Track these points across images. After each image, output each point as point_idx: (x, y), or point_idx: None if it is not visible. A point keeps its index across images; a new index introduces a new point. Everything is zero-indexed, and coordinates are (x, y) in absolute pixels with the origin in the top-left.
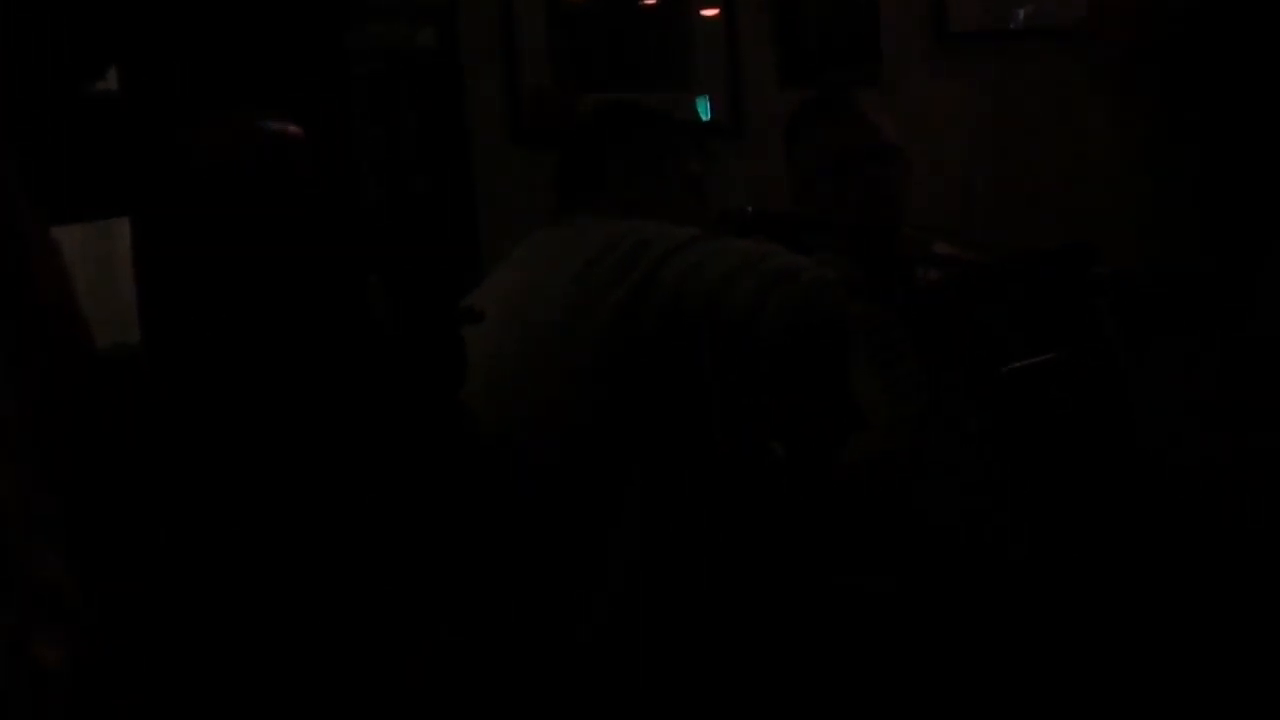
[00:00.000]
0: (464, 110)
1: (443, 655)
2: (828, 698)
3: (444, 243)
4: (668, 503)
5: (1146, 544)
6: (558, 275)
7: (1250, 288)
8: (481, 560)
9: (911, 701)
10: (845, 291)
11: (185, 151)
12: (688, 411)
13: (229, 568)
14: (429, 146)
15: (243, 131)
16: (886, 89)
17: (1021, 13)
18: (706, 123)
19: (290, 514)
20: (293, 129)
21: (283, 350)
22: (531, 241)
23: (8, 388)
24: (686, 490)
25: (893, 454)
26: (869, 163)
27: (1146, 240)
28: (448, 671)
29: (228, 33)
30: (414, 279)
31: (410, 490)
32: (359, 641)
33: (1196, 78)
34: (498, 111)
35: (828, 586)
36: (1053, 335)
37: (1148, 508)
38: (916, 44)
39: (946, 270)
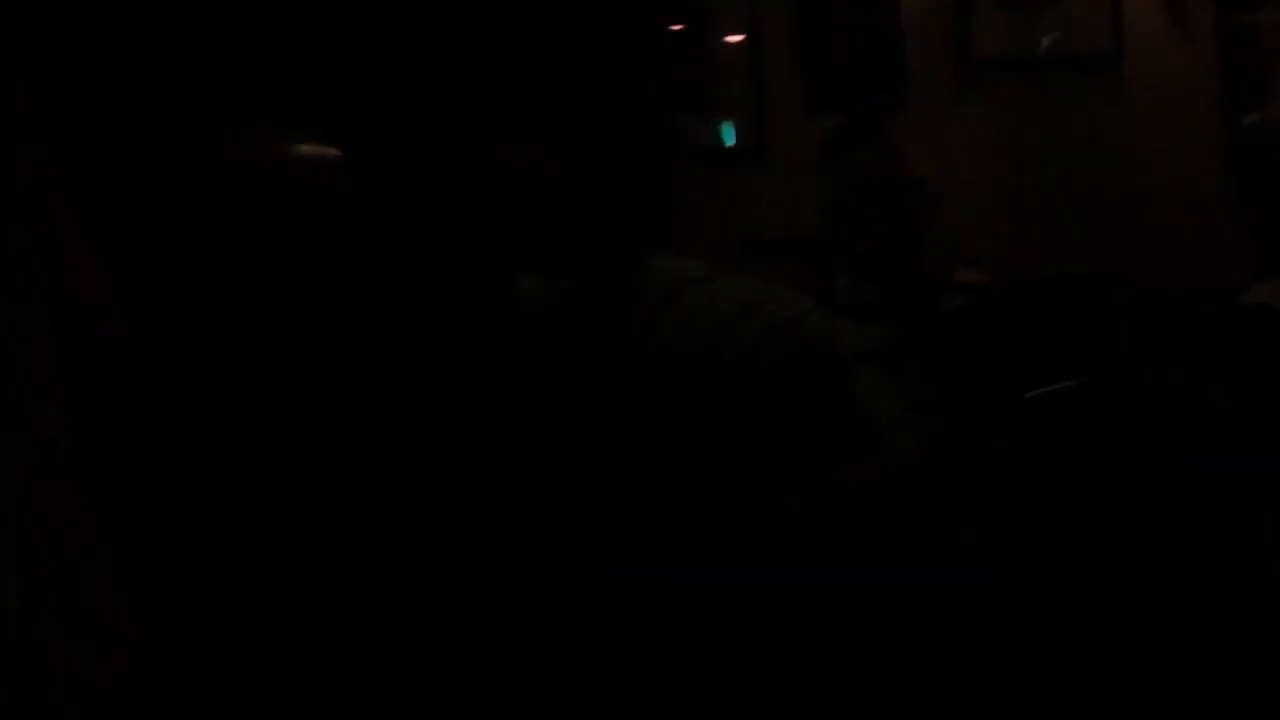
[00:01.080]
0: None
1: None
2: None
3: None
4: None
5: (1167, 565)
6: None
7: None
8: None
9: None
10: (845, 333)
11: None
12: (685, 457)
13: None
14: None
15: (277, 149)
16: (912, 115)
17: (1046, 40)
18: (731, 148)
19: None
20: (330, 149)
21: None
22: None
23: (57, 411)
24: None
25: (908, 472)
26: (895, 194)
27: (1178, 266)
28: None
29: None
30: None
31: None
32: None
33: None
34: None
35: (838, 604)
36: (1074, 361)
37: (1168, 530)
38: (942, 70)
39: (969, 296)
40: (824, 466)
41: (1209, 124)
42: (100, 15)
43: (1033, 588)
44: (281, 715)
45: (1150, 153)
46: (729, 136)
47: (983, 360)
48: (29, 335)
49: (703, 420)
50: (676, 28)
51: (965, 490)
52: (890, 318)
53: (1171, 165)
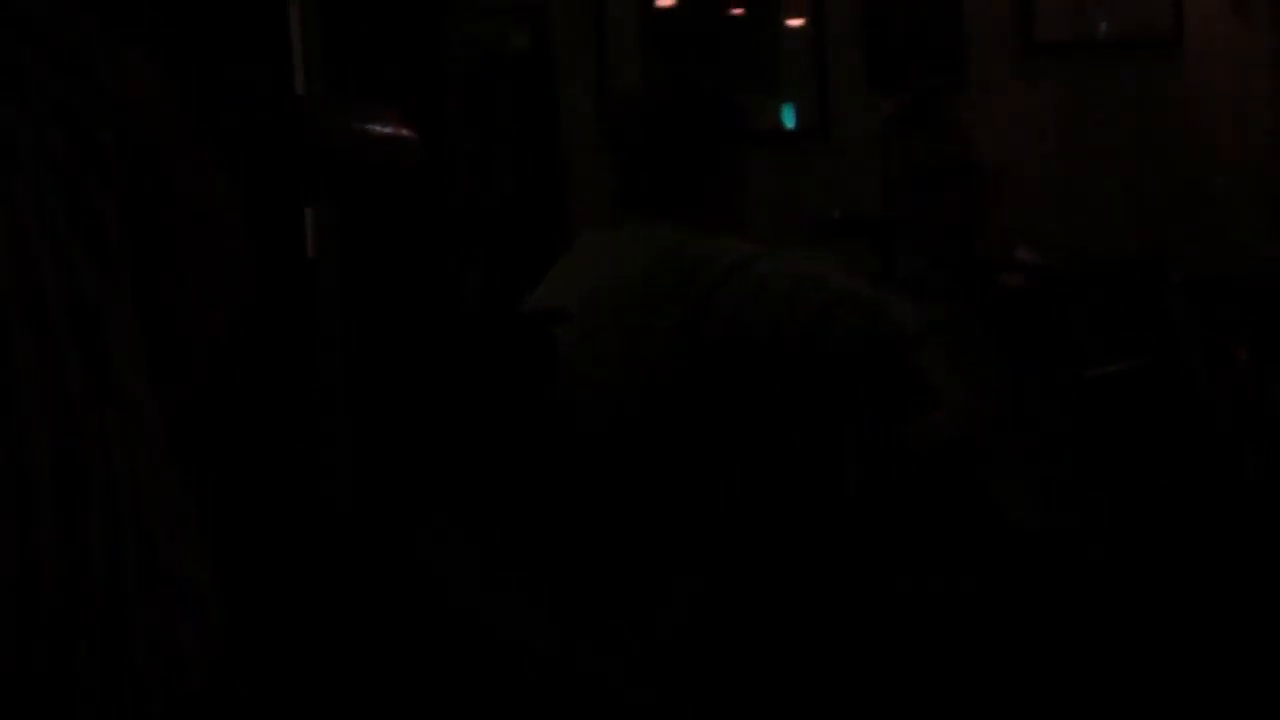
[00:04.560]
0: (557, 111)
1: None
2: (891, 699)
3: (535, 242)
4: (732, 520)
5: (1225, 547)
6: (618, 286)
7: None
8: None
9: (977, 701)
10: (901, 310)
11: (289, 149)
12: (749, 430)
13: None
14: (521, 147)
15: (357, 131)
16: (973, 96)
17: (1105, 24)
18: (792, 130)
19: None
20: (406, 131)
21: (378, 341)
22: (598, 237)
23: (144, 383)
24: (751, 508)
25: (967, 438)
26: (957, 176)
27: (1234, 249)
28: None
29: (325, 30)
30: (506, 276)
31: (501, 476)
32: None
33: None
34: (589, 113)
35: (893, 589)
36: (1132, 341)
37: (1225, 512)
38: (1003, 52)
39: (1028, 275)
40: (887, 433)
41: (1266, 107)
42: None
43: (1096, 568)
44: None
45: (1207, 136)
46: (789, 118)
47: (1043, 339)
48: (118, 309)
49: (768, 391)
50: (738, 11)
51: (1024, 467)
52: (951, 296)
53: (1228, 148)
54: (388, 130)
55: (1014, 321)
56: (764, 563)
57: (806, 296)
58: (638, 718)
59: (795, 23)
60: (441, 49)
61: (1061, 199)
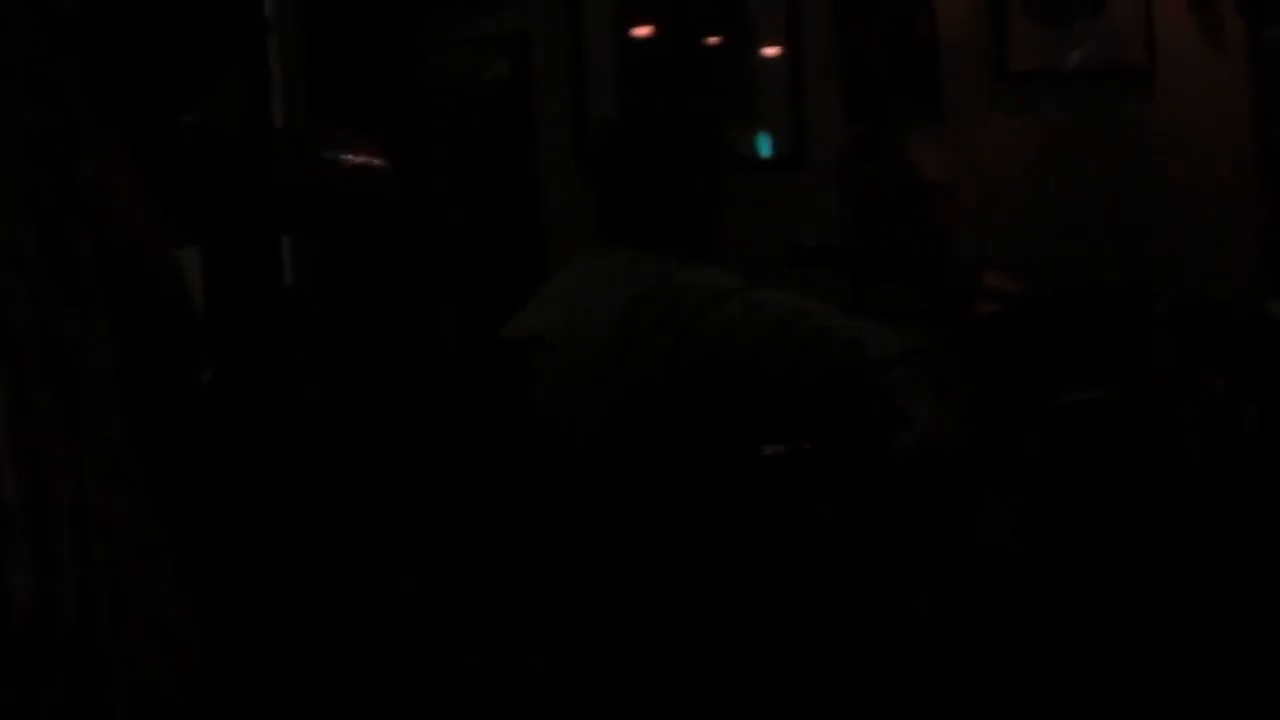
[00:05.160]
0: (535, 140)
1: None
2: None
3: (512, 271)
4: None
5: (1199, 573)
6: (599, 317)
7: None
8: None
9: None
10: (876, 344)
11: (262, 180)
12: (722, 464)
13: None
14: (499, 177)
15: (330, 161)
16: (948, 126)
17: (1079, 53)
18: (768, 158)
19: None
20: (379, 160)
21: (355, 371)
22: (581, 266)
23: (117, 407)
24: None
25: (941, 449)
26: (910, 201)
27: (1207, 277)
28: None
29: (304, 62)
30: (483, 306)
31: (475, 504)
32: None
33: None
34: (567, 143)
35: (872, 616)
36: (1110, 369)
37: (1200, 539)
38: (977, 82)
39: (1002, 302)
40: (863, 469)
41: (1240, 137)
42: None
43: (1065, 592)
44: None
45: (1181, 165)
46: (766, 147)
47: (1016, 366)
48: (89, 341)
49: (742, 429)
50: (715, 40)
51: (1000, 493)
52: (925, 323)
53: (1202, 177)
54: (362, 160)
55: (987, 348)
56: (742, 590)
57: (784, 333)
58: None
59: (772, 52)
60: (420, 79)
61: (1036, 227)
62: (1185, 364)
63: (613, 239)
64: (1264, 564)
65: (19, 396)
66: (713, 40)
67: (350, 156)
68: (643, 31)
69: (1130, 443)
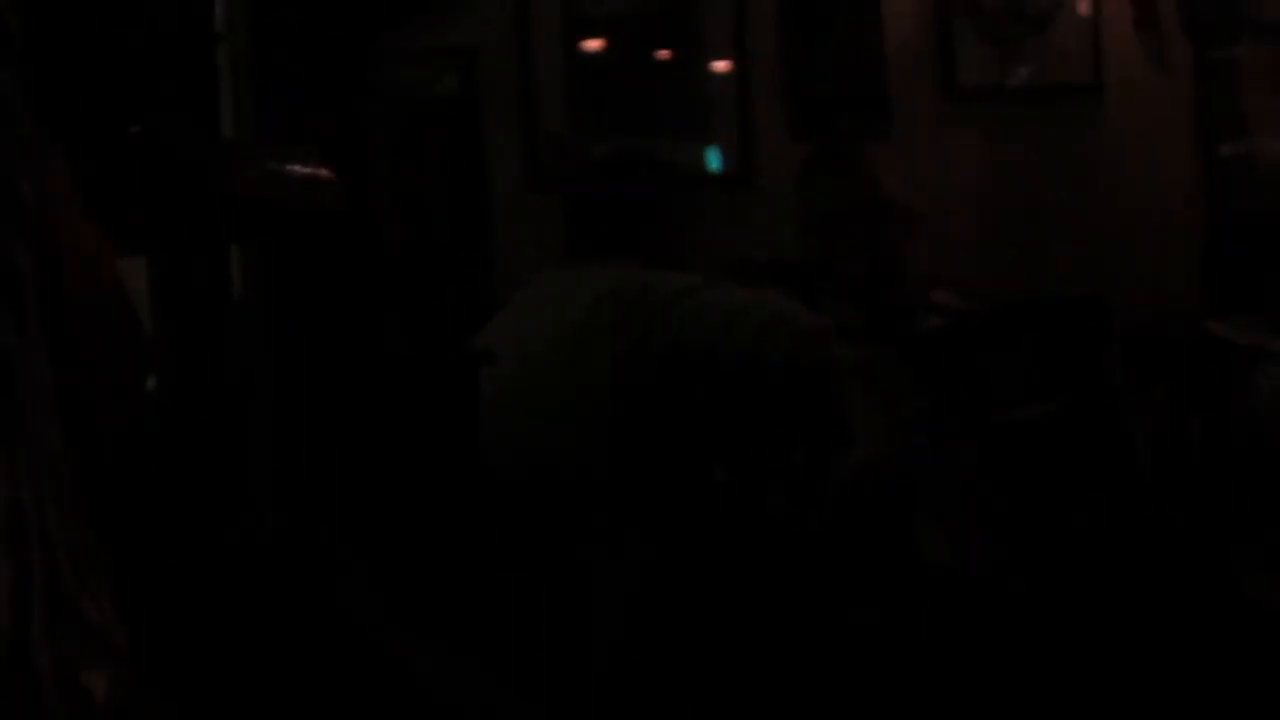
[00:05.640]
0: (484, 155)
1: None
2: None
3: (462, 285)
4: (666, 539)
5: (1138, 586)
6: (563, 318)
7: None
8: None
9: None
10: (834, 336)
11: (208, 191)
12: (686, 450)
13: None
14: (448, 191)
15: (275, 173)
16: (896, 142)
17: (1027, 71)
18: (717, 173)
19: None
20: (324, 171)
21: (303, 382)
22: (541, 281)
23: (54, 430)
24: (685, 528)
25: (884, 469)
26: (870, 218)
27: (1152, 292)
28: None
29: (253, 74)
30: (431, 317)
31: (420, 514)
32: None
33: None
34: (516, 156)
35: (819, 622)
36: (1061, 383)
37: (1148, 551)
38: (925, 98)
39: (947, 317)
40: (814, 458)
41: (1185, 155)
42: None
43: (1009, 605)
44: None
45: (1128, 182)
46: (715, 161)
47: (961, 380)
48: (28, 356)
49: (706, 412)
50: (665, 55)
51: (941, 507)
52: (871, 339)
53: (1148, 195)
54: (308, 173)
55: (932, 364)
56: (690, 589)
57: (746, 318)
58: None
59: (721, 66)
60: (369, 93)
61: (983, 244)
62: (1134, 378)
63: (581, 254)
64: (1205, 578)
65: None
66: (663, 54)
67: (296, 168)
68: (593, 46)
69: (1076, 457)
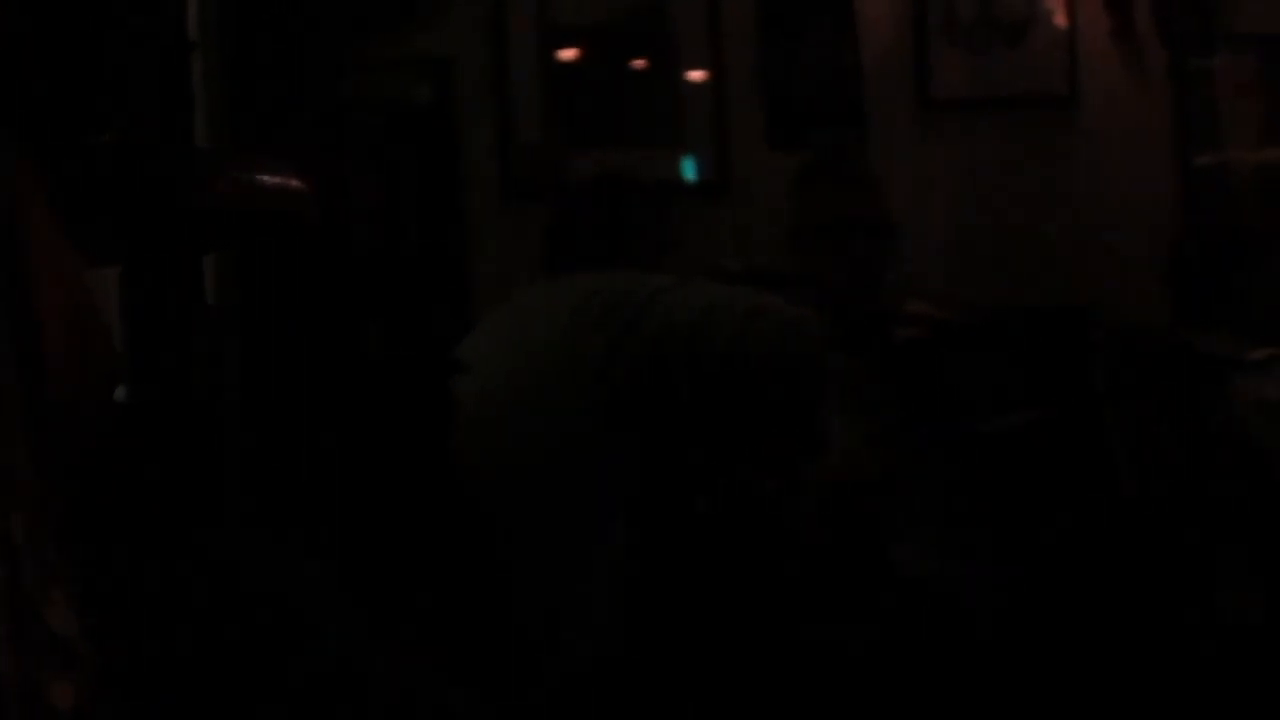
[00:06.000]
0: (458, 164)
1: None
2: None
3: (436, 295)
4: (651, 542)
5: (1115, 599)
6: (545, 324)
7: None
8: (457, 601)
9: None
10: (818, 327)
11: (180, 200)
12: (671, 447)
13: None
14: (423, 199)
15: (247, 181)
16: (872, 152)
17: (1001, 82)
18: (692, 182)
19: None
20: (297, 180)
21: (277, 391)
22: (524, 294)
23: (20, 432)
24: (668, 532)
25: (863, 479)
26: (864, 231)
27: (1127, 303)
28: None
29: (224, 82)
30: (407, 328)
31: (398, 528)
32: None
33: None
34: (491, 166)
35: (797, 637)
36: (1039, 394)
37: (1127, 563)
38: (901, 109)
39: (925, 327)
40: (791, 457)
41: (1161, 165)
42: None
43: (986, 618)
44: None
45: (1103, 193)
46: (690, 171)
47: (939, 390)
48: None
49: (688, 409)
50: (640, 64)
51: (916, 519)
52: (847, 348)
53: (1124, 205)
54: (279, 181)
55: (906, 374)
56: (669, 596)
57: (727, 309)
58: None
59: (697, 76)
60: (343, 101)
61: (958, 254)
62: (1115, 389)
63: (562, 270)
64: (1184, 589)
65: None
66: (638, 64)
67: (268, 177)
68: (568, 55)
69: (1055, 469)
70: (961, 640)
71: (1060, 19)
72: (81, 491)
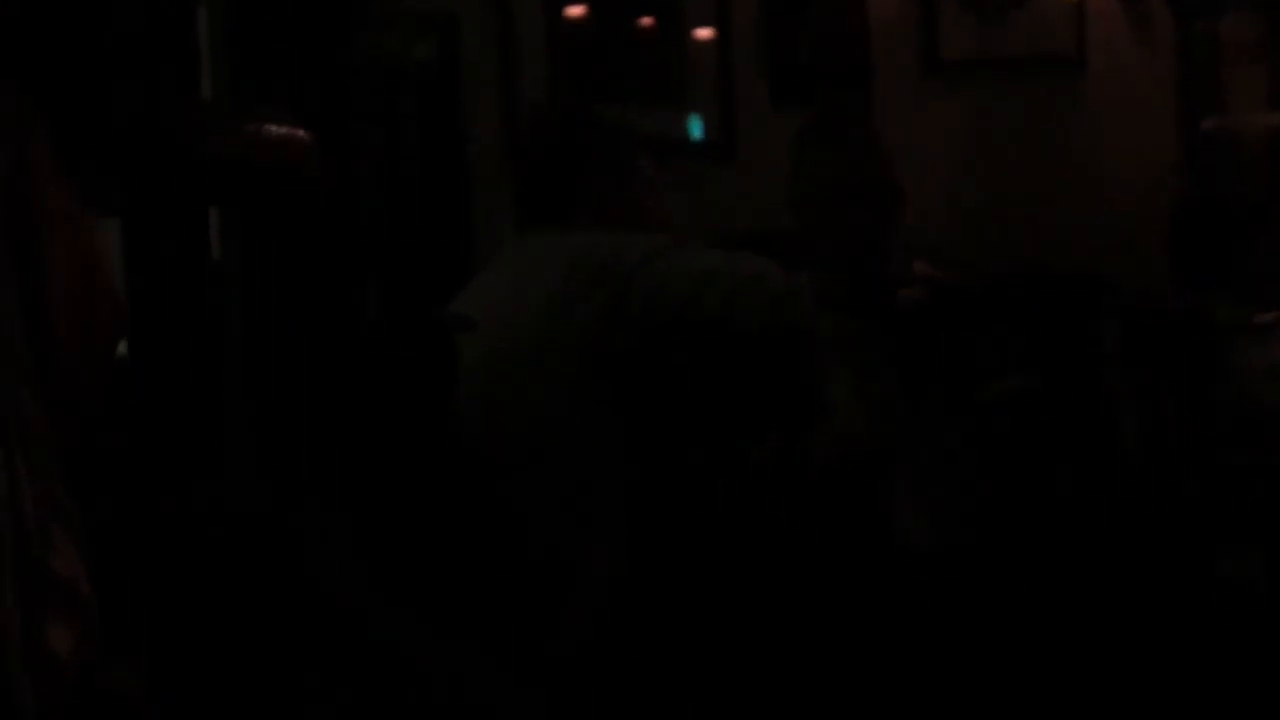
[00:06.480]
0: (462, 122)
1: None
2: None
3: (440, 251)
4: (649, 508)
5: (1126, 561)
6: (536, 286)
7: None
8: (460, 564)
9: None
10: (810, 296)
11: (185, 153)
12: (666, 415)
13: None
14: (427, 157)
15: (250, 134)
16: (878, 114)
17: (1008, 43)
18: (699, 140)
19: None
20: (300, 133)
21: (279, 347)
22: (510, 249)
23: (28, 384)
24: (668, 495)
25: (864, 448)
26: (870, 194)
27: (1134, 267)
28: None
29: (230, 37)
30: (409, 284)
31: (396, 486)
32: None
33: None
34: (496, 124)
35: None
36: (1048, 358)
37: (1131, 529)
38: (908, 69)
39: (929, 290)
40: (789, 425)
41: (1167, 128)
42: None
43: (989, 586)
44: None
45: (1109, 155)
46: (697, 130)
47: (944, 353)
48: (3, 316)
49: (683, 372)
50: (647, 22)
51: (920, 482)
52: (853, 311)
53: (1130, 167)
54: (282, 132)
55: (911, 337)
56: (666, 566)
57: (715, 281)
58: None
59: (704, 34)
60: (348, 57)
61: (963, 216)
62: (1123, 354)
63: (533, 222)
64: (1188, 552)
65: None
66: (645, 22)
67: (272, 129)
68: (574, 13)
69: (1060, 433)
70: (963, 608)
71: None
72: (84, 440)
